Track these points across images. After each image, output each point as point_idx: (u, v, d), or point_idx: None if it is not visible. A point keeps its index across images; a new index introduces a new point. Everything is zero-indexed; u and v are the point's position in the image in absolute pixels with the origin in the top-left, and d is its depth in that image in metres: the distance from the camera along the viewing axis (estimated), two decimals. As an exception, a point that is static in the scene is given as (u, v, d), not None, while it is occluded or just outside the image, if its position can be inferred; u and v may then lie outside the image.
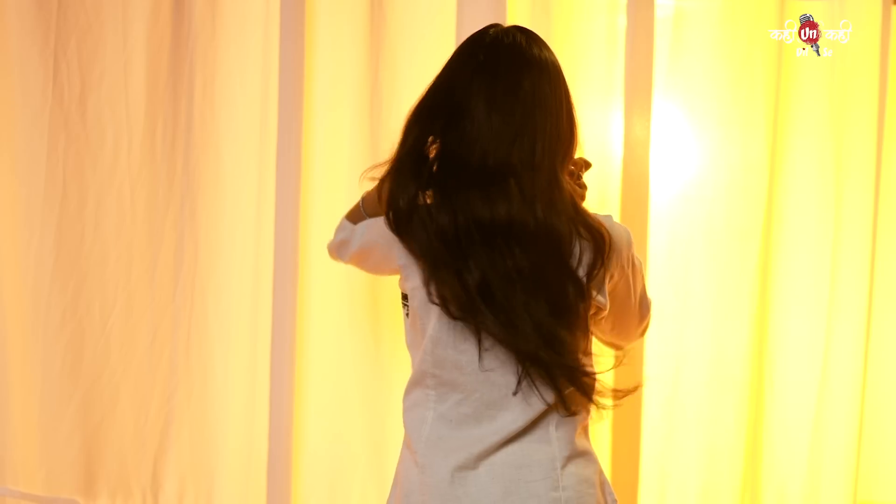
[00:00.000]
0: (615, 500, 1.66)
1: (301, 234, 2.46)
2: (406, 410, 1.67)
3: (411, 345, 1.69)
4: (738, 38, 2.47)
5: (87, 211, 2.53)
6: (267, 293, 2.49)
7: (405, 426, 1.66)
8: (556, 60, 1.63)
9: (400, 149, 1.61)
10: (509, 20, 2.38)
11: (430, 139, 1.59)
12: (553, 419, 1.58)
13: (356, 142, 2.50)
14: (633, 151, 2.44)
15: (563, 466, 1.57)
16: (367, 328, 2.50)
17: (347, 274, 2.50)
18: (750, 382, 2.49)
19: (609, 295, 1.63)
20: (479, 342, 1.56)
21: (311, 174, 2.48)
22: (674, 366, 2.50)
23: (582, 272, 1.56)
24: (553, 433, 1.58)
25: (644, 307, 1.76)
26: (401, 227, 1.58)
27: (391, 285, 2.50)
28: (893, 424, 2.63)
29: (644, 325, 1.80)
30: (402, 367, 2.39)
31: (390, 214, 1.59)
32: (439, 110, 1.58)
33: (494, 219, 1.52)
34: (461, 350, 1.58)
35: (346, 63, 2.49)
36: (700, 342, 2.50)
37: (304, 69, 2.45)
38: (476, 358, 1.57)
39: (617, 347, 1.81)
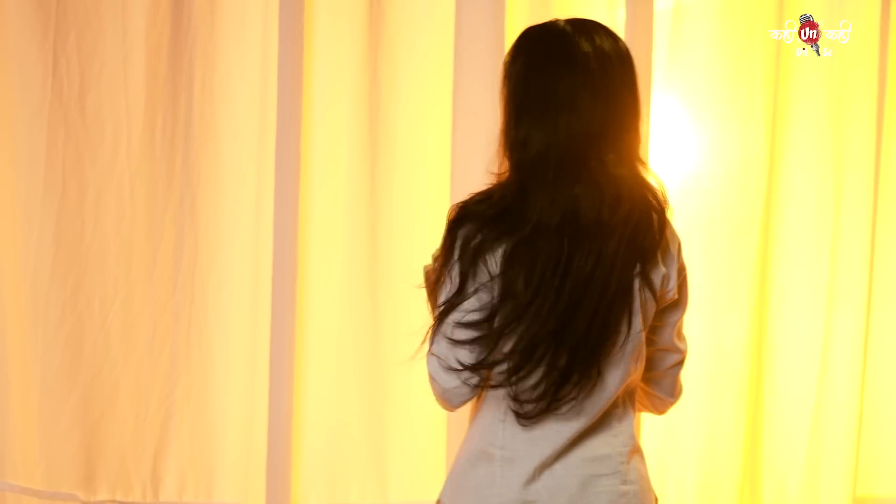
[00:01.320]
0: (656, 498, 1.66)
1: (300, 228, 2.46)
2: (479, 401, 1.62)
3: None
4: (736, 32, 2.48)
5: (87, 206, 2.53)
6: (266, 287, 2.49)
7: (475, 416, 1.62)
8: None
9: (523, 157, 1.54)
10: (508, 15, 2.39)
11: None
12: (616, 414, 1.59)
13: (355, 137, 2.50)
14: (631, 145, 2.44)
15: (628, 461, 1.57)
16: (367, 322, 2.50)
17: (346, 267, 2.51)
18: (749, 376, 2.50)
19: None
20: None
21: (310, 169, 2.48)
22: (673, 359, 2.50)
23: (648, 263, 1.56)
24: (617, 427, 1.58)
25: (682, 340, 1.74)
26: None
27: (391, 279, 2.51)
28: (892, 417, 2.63)
29: (678, 382, 1.76)
30: (401, 360, 2.38)
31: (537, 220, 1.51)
32: (543, 109, 1.54)
33: (598, 216, 1.50)
34: None
35: (345, 58, 2.49)
36: (699, 335, 2.50)
37: (303, 65, 2.45)
38: None
39: (656, 403, 1.77)
